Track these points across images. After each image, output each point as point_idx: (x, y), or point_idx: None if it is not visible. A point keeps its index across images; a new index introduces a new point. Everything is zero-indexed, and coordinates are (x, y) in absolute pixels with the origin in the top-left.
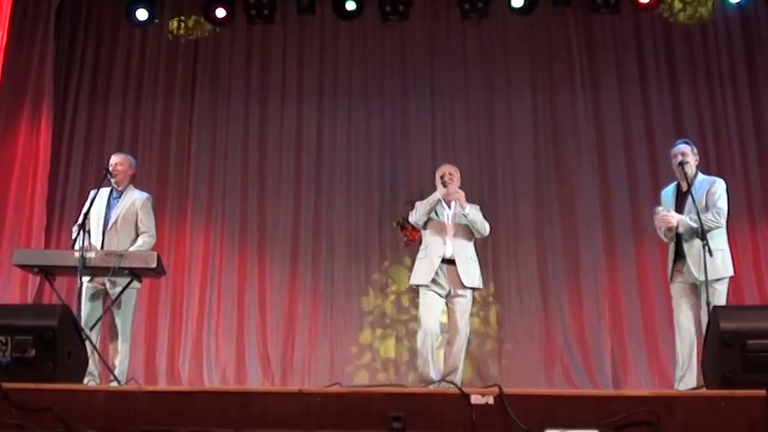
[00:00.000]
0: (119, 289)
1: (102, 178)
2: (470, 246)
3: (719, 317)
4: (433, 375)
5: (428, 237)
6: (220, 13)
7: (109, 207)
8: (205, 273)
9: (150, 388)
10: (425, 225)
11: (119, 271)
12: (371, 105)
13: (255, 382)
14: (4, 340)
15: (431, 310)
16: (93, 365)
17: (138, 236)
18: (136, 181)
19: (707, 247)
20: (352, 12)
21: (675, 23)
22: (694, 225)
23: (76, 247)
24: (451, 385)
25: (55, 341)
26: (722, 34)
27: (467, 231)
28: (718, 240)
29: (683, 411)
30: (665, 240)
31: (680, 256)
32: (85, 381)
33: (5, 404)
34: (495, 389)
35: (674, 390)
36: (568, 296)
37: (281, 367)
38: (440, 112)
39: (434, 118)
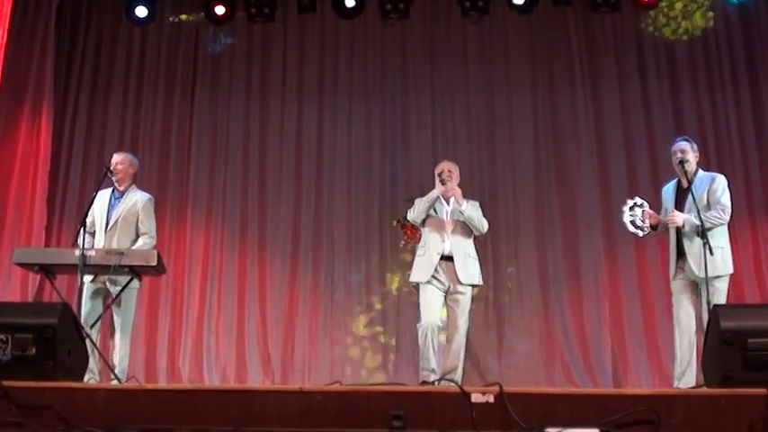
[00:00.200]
0: (119, 288)
1: (102, 177)
2: (469, 243)
3: (720, 315)
4: (435, 365)
5: (427, 234)
6: (220, 10)
7: (110, 207)
8: (205, 271)
9: (151, 386)
10: (424, 222)
11: (119, 269)
12: (372, 104)
13: (256, 380)
14: (4, 338)
15: (431, 305)
16: (93, 363)
17: (138, 237)
18: (137, 180)
19: (707, 246)
20: (352, 10)
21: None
22: (698, 223)
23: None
24: (452, 384)
25: (55, 339)
26: (722, 33)
27: (465, 228)
28: (719, 238)
29: (684, 410)
30: (639, 236)
31: (682, 254)
32: (86, 378)
33: (6, 402)
34: (496, 387)
35: (674, 388)
36: (569, 295)
37: (281, 366)
38: (440, 111)
39: (435, 117)
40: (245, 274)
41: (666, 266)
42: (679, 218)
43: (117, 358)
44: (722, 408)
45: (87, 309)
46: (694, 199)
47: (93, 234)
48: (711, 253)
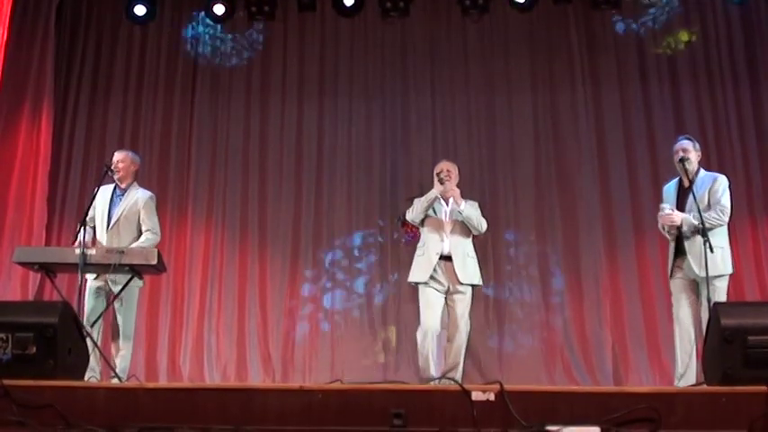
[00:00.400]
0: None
1: (102, 176)
2: (468, 242)
3: (720, 313)
4: (434, 372)
5: (426, 234)
6: (219, 9)
7: (112, 205)
8: (206, 271)
9: (151, 385)
10: (423, 222)
11: (119, 268)
12: (372, 103)
13: (256, 379)
14: (4, 337)
15: (430, 306)
16: (94, 362)
17: (140, 235)
18: (138, 178)
19: (708, 244)
20: (352, 8)
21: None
22: (697, 223)
23: (77, 243)
24: (452, 382)
25: (56, 338)
26: (723, 32)
27: (464, 228)
28: (719, 238)
29: (684, 408)
30: (668, 238)
31: (680, 252)
32: (87, 377)
33: (6, 401)
34: (496, 385)
35: (674, 386)
36: (569, 293)
37: (281, 364)
38: (440, 110)
39: (435, 116)
40: (246, 274)
41: (666, 265)
42: (677, 217)
43: (119, 357)
44: (723, 406)
45: (90, 307)
46: (695, 199)
47: (94, 228)
48: (712, 250)
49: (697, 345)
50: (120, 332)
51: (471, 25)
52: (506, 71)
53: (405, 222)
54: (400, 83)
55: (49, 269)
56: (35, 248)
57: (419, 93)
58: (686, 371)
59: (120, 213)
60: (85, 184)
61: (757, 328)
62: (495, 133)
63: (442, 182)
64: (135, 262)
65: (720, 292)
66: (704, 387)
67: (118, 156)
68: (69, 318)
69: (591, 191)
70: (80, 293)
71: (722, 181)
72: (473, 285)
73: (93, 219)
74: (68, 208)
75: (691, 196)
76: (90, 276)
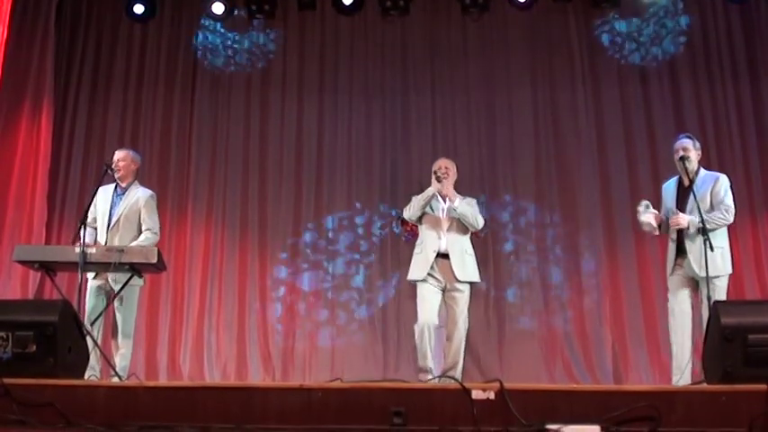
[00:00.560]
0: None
1: (102, 175)
2: (465, 240)
3: (720, 312)
4: (431, 365)
5: (424, 231)
6: (218, 8)
7: (112, 204)
8: (206, 269)
9: (151, 383)
10: (421, 220)
11: (119, 266)
12: (372, 101)
13: (256, 377)
14: (4, 336)
15: (427, 303)
16: (94, 360)
17: (140, 234)
18: (138, 176)
19: (707, 242)
20: (352, 7)
21: None
22: (698, 222)
23: (77, 242)
24: (452, 380)
25: (56, 336)
26: (723, 30)
27: (461, 225)
28: (719, 239)
29: (684, 406)
30: (655, 234)
31: (682, 252)
32: (87, 375)
33: (6, 400)
34: (496, 384)
35: (674, 385)
36: (569, 291)
37: (281, 363)
38: (440, 108)
39: (435, 114)
40: (246, 272)
41: (665, 261)
42: (683, 220)
43: (119, 356)
44: (723, 404)
45: (90, 306)
46: (696, 198)
47: (95, 228)
48: (712, 249)
49: (694, 342)
50: (120, 331)
51: (471, 23)
52: (506, 69)
53: (404, 221)
54: (400, 81)
55: (49, 268)
56: (35, 247)
57: (419, 91)
58: (685, 370)
59: (121, 213)
60: (85, 182)
61: (757, 327)
62: (496, 131)
63: (439, 179)
64: (135, 260)
65: (720, 291)
66: (704, 385)
67: (118, 155)
68: (69, 316)
69: (591, 188)
70: (80, 292)
71: (723, 181)
72: (471, 283)
73: (95, 220)
74: (68, 206)
75: (691, 195)
76: (90, 275)
